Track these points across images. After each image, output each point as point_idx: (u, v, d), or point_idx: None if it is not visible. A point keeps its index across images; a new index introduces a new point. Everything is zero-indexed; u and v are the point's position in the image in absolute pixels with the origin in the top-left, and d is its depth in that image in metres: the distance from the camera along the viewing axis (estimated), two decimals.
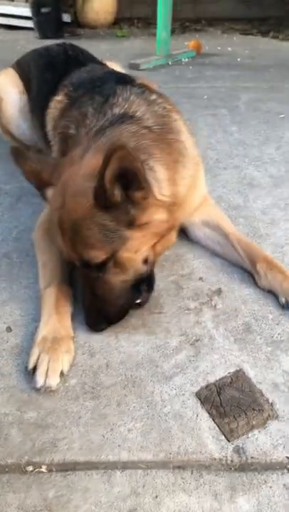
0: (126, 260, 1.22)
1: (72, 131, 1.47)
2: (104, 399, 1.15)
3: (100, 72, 1.80)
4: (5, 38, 5.98)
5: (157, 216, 1.26)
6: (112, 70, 1.93)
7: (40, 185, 1.34)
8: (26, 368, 1.21)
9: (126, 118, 1.34)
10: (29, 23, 6.12)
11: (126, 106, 1.40)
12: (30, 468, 1.01)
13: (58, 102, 1.72)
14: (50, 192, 1.32)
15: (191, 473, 0.99)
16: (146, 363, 1.24)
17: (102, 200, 1.14)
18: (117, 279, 1.25)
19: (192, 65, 4.51)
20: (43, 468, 1.01)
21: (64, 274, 1.44)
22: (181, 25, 6.82)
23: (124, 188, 1.14)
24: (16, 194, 2.12)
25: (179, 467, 1.00)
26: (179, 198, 1.35)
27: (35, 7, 5.69)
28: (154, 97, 1.49)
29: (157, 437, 1.06)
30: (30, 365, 1.20)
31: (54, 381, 1.16)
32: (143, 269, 1.29)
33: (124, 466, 1.01)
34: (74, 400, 1.16)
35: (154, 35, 4.64)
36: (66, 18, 6.33)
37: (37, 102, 2.00)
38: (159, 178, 1.27)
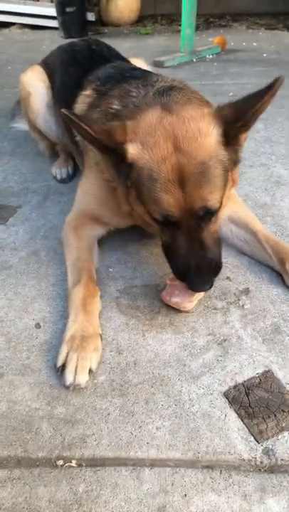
0: (223, 206, 1.26)
1: (116, 106, 1.41)
2: (133, 396, 1.16)
3: (127, 67, 1.80)
4: (30, 38, 6.06)
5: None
6: (136, 66, 1.93)
7: (114, 144, 1.18)
8: (55, 365, 1.23)
9: (178, 89, 1.38)
10: (54, 23, 6.18)
11: (169, 82, 1.47)
12: (60, 462, 1.03)
13: (85, 96, 1.69)
14: (134, 148, 1.17)
15: (220, 473, 0.99)
16: (174, 362, 1.24)
17: (233, 136, 1.17)
18: (214, 228, 1.27)
19: (217, 62, 4.46)
20: (73, 463, 1.03)
21: (92, 273, 1.45)
22: (205, 21, 6.76)
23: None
24: (43, 193, 2.16)
25: (207, 467, 1.00)
26: None
27: (60, 6, 5.75)
28: (181, 85, 1.52)
29: (185, 436, 1.06)
30: (59, 363, 1.22)
31: (83, 379, 1.18)
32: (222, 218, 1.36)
33: (153, 463, 1.02)
34: (102, 396, 1.17)
35: (178, 31, 4.62)
36: (90, 16, 6.36)
37: (61, 97, 2.01)
38: None
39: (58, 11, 5.82)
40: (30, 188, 2.19)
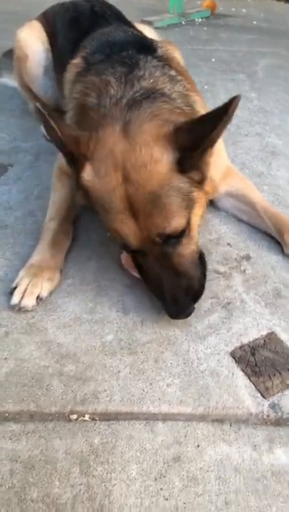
0: (194, 225, 1.18)
1: (93, 99, 1.31)
2: (142, 355, 1.18)
3: (121, 36, 1.67)
4: None
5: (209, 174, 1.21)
6: (135, 33, 1.79)
7: (78, 156, 1.12)
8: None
9: (158, 94, 1.25)
10: None
11: (152, 81, 1.30)
12: (74, 416, 1.04)
13: (74, 65, 1.60)
14: (89, 174, 1.12)
15: (230, 426, 1.04)
16: (180, 323, 1.26)
17: (188, 163, 1.08)
18: (188, 250, 1.19)
19: (206, 26, 4.34)
20: (87, 417, 1.04)
21: (68, 214, 1.50)
22: None
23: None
24: (34, 152, 2.08)
25: (217, 420, 1.05)
26: None
27: None
28: (174, 72, 1.40)
29: (195, 393, 1.10)
30: (13, 285, 1.31)
31: (29, 302, 1.27)
32: (198, 237, 1.27)
33: (165, 417, 1.05)
34: (112, 355, 1.18)
35: None
36: None
37: (60, 62, 1.90)
38: None
39: None
40: (21, 147, 2.10)
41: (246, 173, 1.93)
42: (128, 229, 1.11)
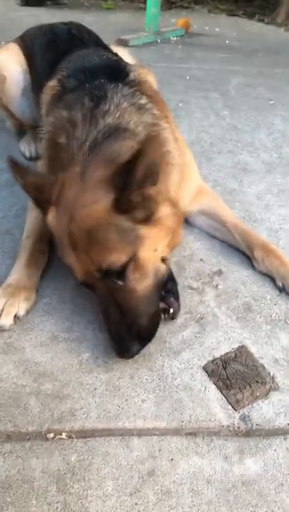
0: (146, 260, 1.18)
1: (63, 139, 1.36)
2: (118, 372, 1.21)
3: (95, 61, 1.72)
4: None
5: (167, 210, 1.26)
6: (110, 57, 1.85)
7: (42, 201, 1.25)
8: None
9: (120, 131, 1.30)
10: None
11: (118, 115, 1.35)
12: (51, 435, 1.06)
13: (50, 87, 1.67)
14: (51, 216, 1.24)
15: (203, 438, 1.08)
16: (155, 339, 1.28)
17: (124, 203, 1.12)
18: (140, 286, 1.18)
19: (181, 45, 4.48)
20: (64, 435, 1.07)
21: (44, 233, 1.49)
22: (168, 1, 6.69)
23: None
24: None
25: (191, 433, 1.09)
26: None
27: None
28: (143, 100, 1.45)
29: (169, 407, 1.13)
30: None
31: (6, 321, 1.31)
32: (162, 268, 1.25)
33: (140, 432, 1.08)
34: (88, 372, 1.21)
35: (141, 9, 4.59)
36: None
37: (37, 83, 1.95)
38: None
39: None
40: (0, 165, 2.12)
41: (219, 190, 2.00)
42: (72, 263, 1.20)
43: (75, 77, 1.57)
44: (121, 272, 1.15)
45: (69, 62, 1.74)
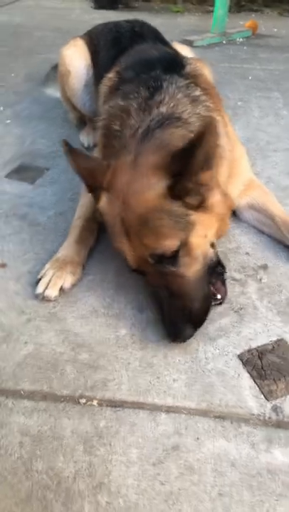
0: (196, 246, 1.20)
1: (117, 127, 1.42)
2: (152, 350, 1.24)
3: (153, 53, 1.75)
4: (60, 6, 5.98)
5: (218, 196, 1.27)
6: (167, 51, 1.87)
7: (94, 185, 1.28)
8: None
9: (173, 120, 1.32)
10: None
11: (172, 105, 1.38)
12: (83, 400, 1.11)
13: (108, 79, 1.74)
14: (103, 201, 1.27)
15: (231, 423, 1.07)
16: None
17: (179, 189, 1.14)
18: (191, 270, 1.20)
19: (246, 46, 4.41)
20: (94, 403, 1.11)
21: (94, 215, 1.54)
22: (237, 3, 6.61)
23: None
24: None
25: (219, 417, 1.08)
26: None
27: None
28: (198, 92, 1.46)
29: (200, 389, 1.14)
30: (39, 276, 1.42)
31: (52, 293, 1.37)
32: (211, 254, 1.27)
33: (169, 409, 1.09)
34: (124, 347, 1.25)
35: (209, 12, 4.57)
36: None
37: (99, 77, 2.02)
38: None
39: None
40: (58, 153, 2.23)
41: (271, 187, 1.96)
42: (125, 249, 1.22)
43: (132, 68, 1.62)
44: (173, 257, 1.18)
45: (128, 55, 1.80)
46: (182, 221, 1.17)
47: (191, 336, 1.21)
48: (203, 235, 1.23)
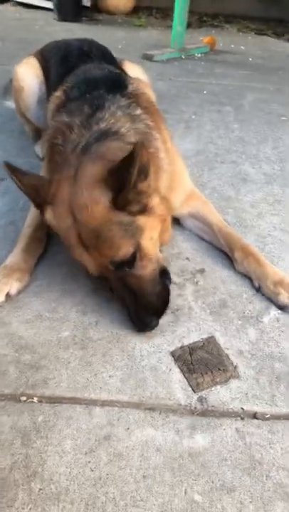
0: (148, 249, 1.33)
1: (60, 142, 1.50)
2: (91, 350, 1.33)
3: (97, 73, 1.86)
4: (24, 17, 6.06)
5: (156, 199, 1.38)
6: (111, 70, 1.95)
7: (39, 201, 1.37)
8: None
9: (110, 134, 1.42)
10: (49, 4, 6.20)
11: (112, 121, 1.47)
12: (24, 398, 1.19)
13: (56, 97, 1.84)
14: (49, 214, 1.36)
15: (160, 413, 1.17)
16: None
17: (121, 201, 1.24)
18: (148, 270, 1.34)
19: (204, 61, 4.62)
20: (35, 400, 1.19)
21: (44, 224, 1.56)
22: (199, 19, 6.89)
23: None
24: (25, 168, 2.26)
25: (149, 409, 1.18)
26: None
27: None
28: (138, 111, 1.57)
29: (134, 384, 1.24)
30: None
31: None
32: (160, 255, 1.43)
33: (103, 403, 1.19)
34: (65, 348, 1.33)
35: (171, 27, 4.73)
36: (86, 1, 6.41)
37: (51, 93, 2.12)
38: None
39: None
40: (15, 163, 2.29)
41: (215, 197, 2.10)
42: (85, 260, 1.33)
43: (78, 88, 1.72)
44: (131, 261, 1.30)
45: (74, 75, 1.91)
46: (131, 228, 1.28)
47: (157, 325, 1.37)
48: (150, 237, 1.36)
